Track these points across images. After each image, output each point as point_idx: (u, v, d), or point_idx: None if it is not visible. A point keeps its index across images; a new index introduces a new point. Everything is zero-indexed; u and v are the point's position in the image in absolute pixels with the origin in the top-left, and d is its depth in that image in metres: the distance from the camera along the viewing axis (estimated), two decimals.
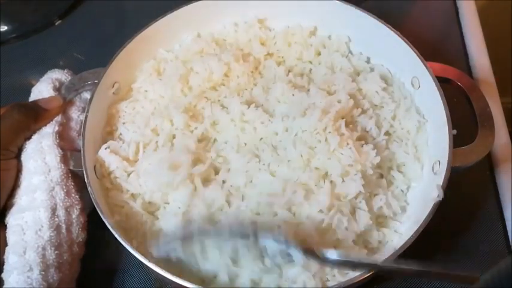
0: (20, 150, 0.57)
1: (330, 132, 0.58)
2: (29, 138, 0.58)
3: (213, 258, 0.52)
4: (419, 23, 0.85)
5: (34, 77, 0.65)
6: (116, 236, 0.51)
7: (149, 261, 0.49)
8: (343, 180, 0.56)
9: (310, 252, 0.49)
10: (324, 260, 0.49)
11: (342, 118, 0.60)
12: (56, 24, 0.85)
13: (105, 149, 0.59)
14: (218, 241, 0.51)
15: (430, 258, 0.62)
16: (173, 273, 0.48)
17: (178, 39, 0.70)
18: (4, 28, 0.82)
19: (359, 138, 0.60)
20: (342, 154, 0.57)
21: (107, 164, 0.58)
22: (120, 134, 0.63)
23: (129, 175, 0.59)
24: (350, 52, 0.70)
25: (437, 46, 0.80)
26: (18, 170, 0.56)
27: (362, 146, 0.59)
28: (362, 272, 0.49)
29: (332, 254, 0.49)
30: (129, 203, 0.57)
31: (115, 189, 0.58)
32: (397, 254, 0.50)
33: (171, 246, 0.52)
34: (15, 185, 0.56)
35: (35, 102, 0.60)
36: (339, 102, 0.61)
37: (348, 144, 0.58)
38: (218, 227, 0.53)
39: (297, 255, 0.49)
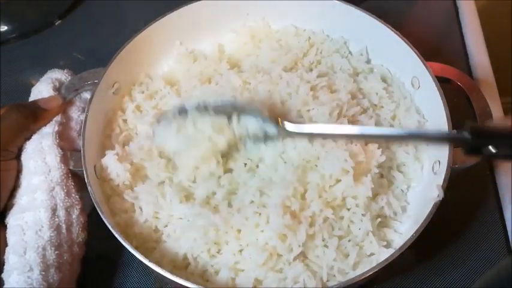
0: (20, 150, 0.57)
1: None
2: (29, 138, 0.58)
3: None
4: (419, 23, 0.85)
5: (34, 77, 0.65)
6: (116, 236, 0.51)
7: (149, 261, 0.49)
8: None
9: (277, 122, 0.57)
10: (287, 132, 0.57)
11: (344, 117, 0.61)
12: (56, 24, 0.85)
13: (113, 155, 0.59)
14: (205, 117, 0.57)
15: (430, 258, 0.62)
16: (173, 272, 0.49)
17: (178, 39, 0.70)
18: (4, 28, 0.82)
19: None
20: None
21: (109, 171, 0.58)
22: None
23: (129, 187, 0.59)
24: (350, 52, 0.71)
25: (437, 46, 0.80)
26: (18, 171, 0.56)
27: (367, 145, 0.59)
28: (362, 273, 0.49)
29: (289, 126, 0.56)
30: (129, 212, 0.58)
31: (115, 196, 0.59)
32: (397, 254, 0.50)
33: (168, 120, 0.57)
34: (16, 186, 0.55)
35: (34, 102, 0.60)
36: (340, 101, 0.62)
37: (352, 142, 0.58)
38: (207, 106, 0.57)
39: (272, 128, 0.56)
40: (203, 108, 0.57)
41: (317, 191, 0.56)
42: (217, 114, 0.57)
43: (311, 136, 0.57)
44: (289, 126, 0.57)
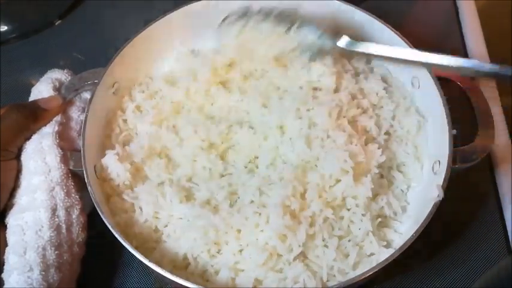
0: (20, 150, 0.57)
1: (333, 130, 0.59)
2: (29, 138, 0.58)
3: None
4: (419, 23, 0.85)
5: (34, 77, 0.65)
6: (116, 235, 0.51)
7: (149, 261, 0.49)
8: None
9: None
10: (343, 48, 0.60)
11: (344, 117, 0.61)
12: (56, 24, 0.85)
13: (113, 154, 0.59)
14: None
15: (430, 258, 0.62)
16: (173, 272, 0.49)
17: (178, 39, 0.70)
18: (4, 28, 0.82)
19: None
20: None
21: (109, 171, 0.58)
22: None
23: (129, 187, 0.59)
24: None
25: (437, 46, 0.79)
26: (18, 171, 0.56)
27: (367, 145, 0.59)
28: (362, 273, 0.49)
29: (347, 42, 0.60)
30: (129, 212, 0.58)
31: (115, 196, 0.59)
32: (397, 254, 0.50)
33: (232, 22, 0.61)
34: (15, 186, 0.55)
35: (34, 102, 0.60)
36: (341, 101, 0.62)
37: (352, 142, 0.58)
38: (270, 11, 0.60)
39: (328, 42, 0.59)
40: (266, 13, 0.59)
41: (317, 191, 0.56)
42: (278, 21, 0.59)
43: (368, 56, 0.61)
44: (346, 41, 0.60)
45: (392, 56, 0.59)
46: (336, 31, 0.60)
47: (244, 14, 0.60)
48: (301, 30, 0.60)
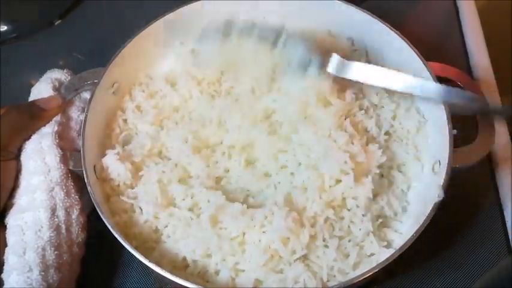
0: (19, 150, 0.57)
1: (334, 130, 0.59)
2: (28, 138, 0.58)
3: None
4: (419, 23, 0.85)
5: (34, 77, 0.65)
6: (116, 236, 0.51)
7: (149, 261, 0.49)
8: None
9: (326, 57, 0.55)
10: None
11: (346, 118, 0.61)
12: (56, 24, 0.85)
13: (114, 154, 0.59)
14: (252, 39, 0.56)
15: (430, 258, 0.62)
16: (173, 273, 0.49)
17: (178, 39, 0.70)
18: (4, 28, 0.82)
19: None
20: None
21: (110, 171, 0.58)
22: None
23: (130, 187, 0.59)
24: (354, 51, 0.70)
25: (437, 46, 0.80)
26: (18, 171, 0.56)
27: (367, 145, 0.59)
28: (363, 273, 0.49)
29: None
30: (129, 212, 0.58)
31: (115, 196, 0.58)
32: (397, 254, 0.50)
33: (210, 36, 0.57)
34: (15, 186, 0.55)
35: (33, 102, 0.60)
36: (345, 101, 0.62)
37: (353, 142, 0.58)
38: (256, 27, 0.57)
39: (315, 62, 0.55)
40: (249, 28, 0.56)
41: (317, 192, 0.56)
42: (262, 37, 0.56)
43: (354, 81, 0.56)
44: (334, 64, 0.56)
45: (386, 87, 0.56)
46: (325, 50, 0.57)
47: (227, 27, 0.57)
48: (288, 47, 0.56)
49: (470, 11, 0.83)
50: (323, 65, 0.56)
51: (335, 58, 0.56)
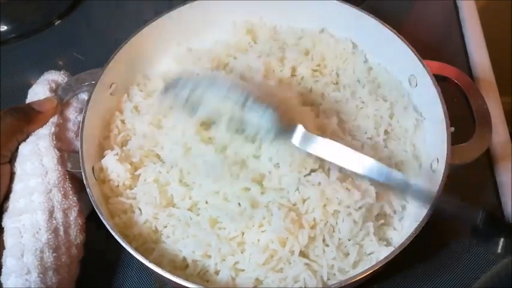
0: (13, 154, 0.57)
1: None
2: (24, 140, 0.57)
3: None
4: (419, 23, 0.85)
5: (34, 77, 0.65)
6: (116, 237, 0.51)
7: (149, 261, 0.49)
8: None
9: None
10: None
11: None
12: (56, 24, 0.85)
13: (113, 155, 0.59)
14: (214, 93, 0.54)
15: (430, 257, 0.62)
16: (173, 273, 0.49)
17: (176, 39, 0.70)
18: (4, 28, 0.82)
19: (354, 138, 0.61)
20: None
21: (109, 171, 0.58)
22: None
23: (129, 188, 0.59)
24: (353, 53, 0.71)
25: (437, 46, 0.80)
26: (13, 173, 0.56)
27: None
28: (362, 271, 0.49)
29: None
30: (128, 213, 0.58)
31: (114, 197, 0.58)
32: (397, 252, 0.50)
33: (178, 88, 0.55)
34: (10, 189, 0.55)
35: (28, 104, 0.60)
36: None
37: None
38: (220, 81, 0.55)
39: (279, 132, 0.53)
40: (215, 83, 0.54)
41: (319, 202, 0.55)
42: (229, 96, 0.53)
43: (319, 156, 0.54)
44: (299, 136, 0.54)
45: (345, 167, 0.52)
46: (290, 118, 0.54)
47: (188, 82, 0.54)
48: (253, 112, 0.53)
49: (470, 11, 0.83)
50: (287, 135, 0.54)
51: (300, 130, 0.54)
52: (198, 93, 0.55)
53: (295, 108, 0.60)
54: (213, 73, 0.58)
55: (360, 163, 0.52)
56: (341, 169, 0.55)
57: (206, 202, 0.57)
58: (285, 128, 0.54)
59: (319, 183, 0.56)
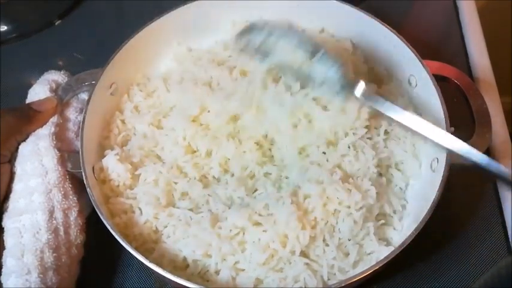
0: (12, 154, 0.57)
1: None
2: (24, 141, 0.57)
3: None
4: (419, 23, 0.85)
5: (34, 77, 0.65)
6: (116, 237, 0.51)
7: (150, 261, 0.49)
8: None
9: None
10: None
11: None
12: (56, 24, 0.85)
13: (114, 155, 0.59)
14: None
15: (430, 257, 0.62)
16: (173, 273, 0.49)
17: (176, 39, 0.70)
18: (4, 28, 0.82)
19: None
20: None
21: (110, 171, 0.58)
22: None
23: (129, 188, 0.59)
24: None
25: (437, 46, 0.80)
26: (13, 173, 0.56)
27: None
28: (362, 271, 0.49)
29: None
30: (128, 213, 0.58)
31: (114, 197, 0.58)
32: (397, 252, 0.50)
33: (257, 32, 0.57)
34: (10, 189, 0.55)
35: (27, 104, 0.60)
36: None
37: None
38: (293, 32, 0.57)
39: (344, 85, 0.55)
40: (287, 35, 0.56)
41: (320, 201, 0.55)
42: (301, 47, 0.56)
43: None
44: (360, 90, 0.56)
45: (412, 128, 0.54)
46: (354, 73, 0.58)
47: (263, 29, 0.56)
48: (321, 64, 0.56)
49: (470, 11, 0.83)
50: (351, 89, 0.56)
51: (361, 86, 0.56)
52: (271, 42, 0.57)
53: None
54: (286, 23, 0.60)
55: (418, 125, 0.54)
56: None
57: (207, 201, 0.57)
58: (349, 82, 0.56)
59: (322, 182, 0.56)
